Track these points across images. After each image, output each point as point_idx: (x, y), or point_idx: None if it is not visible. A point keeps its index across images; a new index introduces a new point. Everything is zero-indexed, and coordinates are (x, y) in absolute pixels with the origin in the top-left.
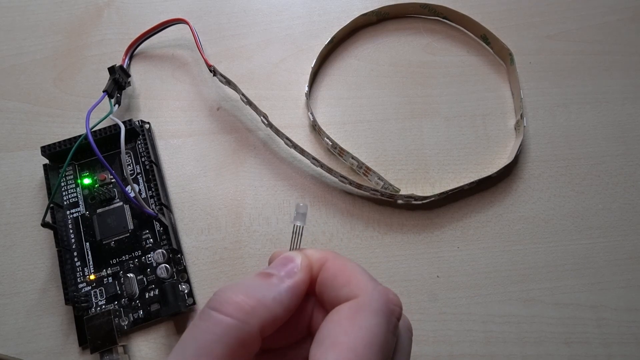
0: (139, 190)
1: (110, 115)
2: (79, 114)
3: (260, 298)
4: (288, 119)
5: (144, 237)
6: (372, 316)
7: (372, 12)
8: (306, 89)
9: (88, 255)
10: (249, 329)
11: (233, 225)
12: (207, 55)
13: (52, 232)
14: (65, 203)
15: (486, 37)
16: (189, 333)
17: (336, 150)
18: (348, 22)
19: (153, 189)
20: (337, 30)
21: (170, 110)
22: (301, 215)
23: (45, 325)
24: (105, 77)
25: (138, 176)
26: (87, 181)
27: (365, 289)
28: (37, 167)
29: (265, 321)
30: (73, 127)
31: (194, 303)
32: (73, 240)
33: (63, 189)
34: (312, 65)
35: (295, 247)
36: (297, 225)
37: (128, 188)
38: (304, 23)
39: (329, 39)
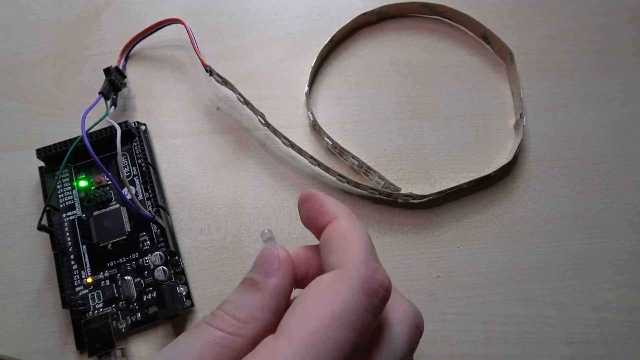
0: (136, 192)
1: (107, 117)
2: (79, 113)
3: (251, 312)
4: (288, 118)
5: (141, 239)
6: (348, 290)
7: (372, 11)
8: (306, 88)
9: (85, 258)
10: (241, 341)
11: (233, 225)
12: (207, 55)
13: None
14: (61, 206)
15: (486, 37)
16: (183, 337)
17: (336, 150)
18: (348, 22)
19: (150, 191)
20: (337, 29)
21: (168, 111)
22: (269, 240)
23: (44, 325)
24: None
25: (134, 178)
26: (83, 184)
27: (351, 261)
28: (37, 167)
29: (257, 332)
30: (72, 126)
31: (192, 305)
32: (70, 243)
33: (59, 192)
34: (312, 65)
35: None
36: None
37: (124, 190)
38: (304, 23)
39: (329, 38)
